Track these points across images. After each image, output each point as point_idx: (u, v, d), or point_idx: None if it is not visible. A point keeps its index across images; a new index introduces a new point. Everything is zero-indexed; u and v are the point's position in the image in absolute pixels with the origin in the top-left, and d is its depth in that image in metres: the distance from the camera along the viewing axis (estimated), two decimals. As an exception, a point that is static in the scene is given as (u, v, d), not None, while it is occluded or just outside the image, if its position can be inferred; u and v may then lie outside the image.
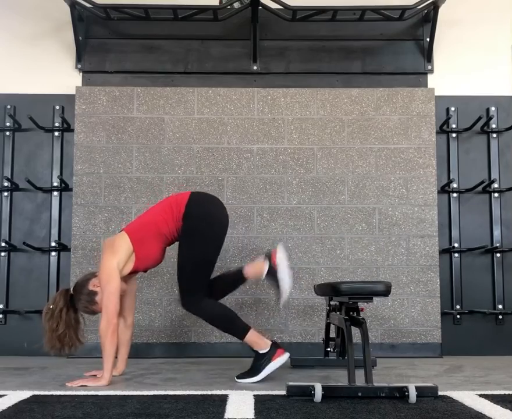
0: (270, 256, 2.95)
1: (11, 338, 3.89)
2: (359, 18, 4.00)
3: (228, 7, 3.98)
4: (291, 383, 2.40)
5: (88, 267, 3.74)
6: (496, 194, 4.07)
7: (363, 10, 3.93)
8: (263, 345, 2.83)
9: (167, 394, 2.41)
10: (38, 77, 4.12)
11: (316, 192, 3.95)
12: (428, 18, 4.10)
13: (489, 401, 2.24)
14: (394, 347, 3.85)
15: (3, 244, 3.95)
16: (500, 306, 3.98)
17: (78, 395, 2.41)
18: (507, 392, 2.46)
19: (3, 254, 3.98)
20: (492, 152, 4.11)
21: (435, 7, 3.97)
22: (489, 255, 4.04)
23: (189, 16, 3.99)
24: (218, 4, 4.04)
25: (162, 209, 2.95)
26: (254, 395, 2.39)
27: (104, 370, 2.73)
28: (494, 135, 4.12)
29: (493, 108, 4.12)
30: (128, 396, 2.40)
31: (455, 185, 4.07)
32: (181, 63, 4.14)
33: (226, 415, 2.01)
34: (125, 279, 2.92)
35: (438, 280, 3.89)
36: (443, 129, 4.11)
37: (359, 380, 2.39)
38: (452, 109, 4.11)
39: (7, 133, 4.07)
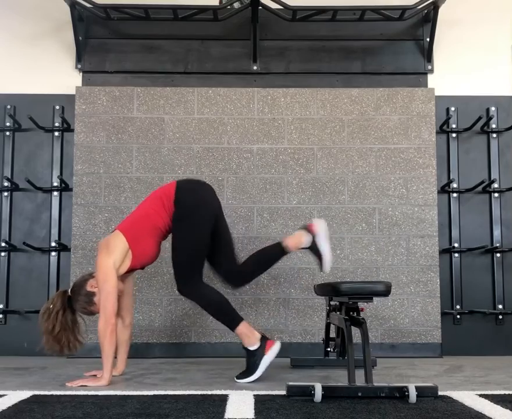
0: (308, 228, 3.04)
1: (11, 338, 3.89)
2: (359, 18, 4.00)
3: (228, 7, 3.98)
4: (291, 383, 2.40)
5: (88, 268, 3.74)
6: (496, 194, 4.07)
7: (363, 10, 3.94)
8: (253, 340, 2.83)
9: (167, 394, 2.41)
10: (38, 77, 4.12)
11: (316, 192, 3.95)
12: (428, 18, 4.10)
13: (489, 401, 2.24)
14: (394, 347, 3.85)
15: (3, 244, 3.96)
16: (500, 306, 3.98)
17: (78, 395, 2.41)
18: (507, 392, 2.46)
19: (3, 254, 3.98)
20: (492, 152, 4.10)
21: (435, 7, 3.98)
22: (489, 255, 4.04)
23: (189, 16, 3.99)
24: (218, 4, 4.04)
25: (151, 202, 2.95)
26: (254, 395, 2.39)
27: (104, 371, 2.73)
28: (494, 135, 4.12)
29: (493, 108, 4.12)
30: (128, 396, 2.39)
31: (455, 185, 4.07)
32: (181, 63, 4.14)
33: (226, 415, 2.01)
34: (122, 278, 2.92)
35: (438, 280, 3.89)
36: (443, 129, 4.11)
37: (359, 380, 2.39)
38: (452, 109, 4.11)
39: (7, 133, 4.07)
